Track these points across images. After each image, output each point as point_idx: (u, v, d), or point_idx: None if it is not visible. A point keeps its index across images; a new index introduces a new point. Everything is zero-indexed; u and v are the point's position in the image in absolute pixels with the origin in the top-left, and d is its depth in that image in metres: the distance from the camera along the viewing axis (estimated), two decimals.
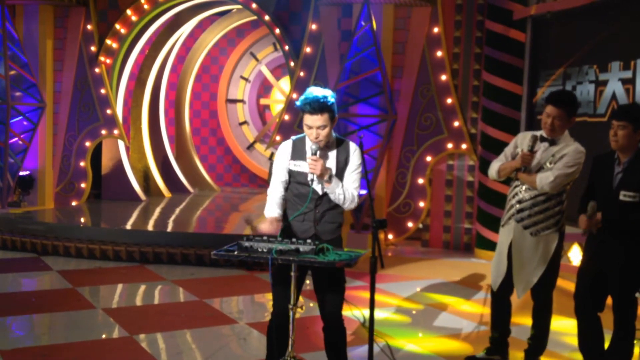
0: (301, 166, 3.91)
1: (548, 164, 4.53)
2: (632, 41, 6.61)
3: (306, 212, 3.94)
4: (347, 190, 3.88)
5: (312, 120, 3.78)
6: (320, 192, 3.91)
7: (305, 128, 3.85)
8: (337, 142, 3.95)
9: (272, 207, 3.97)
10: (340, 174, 3.92)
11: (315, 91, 3.80)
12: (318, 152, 3.80)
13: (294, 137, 4.04)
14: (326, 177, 3.80)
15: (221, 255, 3.79)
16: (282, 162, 3.98)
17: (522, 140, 4.70)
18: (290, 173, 3.97)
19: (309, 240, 3.67)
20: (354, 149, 3.95)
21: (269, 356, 4.04)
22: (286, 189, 4.01)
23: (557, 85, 7.64)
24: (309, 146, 3.87)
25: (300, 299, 3.99)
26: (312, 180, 3.88)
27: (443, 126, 9.01)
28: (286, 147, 3.99)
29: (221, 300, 6.52)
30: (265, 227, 3.87)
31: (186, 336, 5.41)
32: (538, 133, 4.66)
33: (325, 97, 3.77)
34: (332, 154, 3.93)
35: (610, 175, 4.26)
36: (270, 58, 13.76)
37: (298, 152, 3.95)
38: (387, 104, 8.36)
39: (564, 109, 4.49)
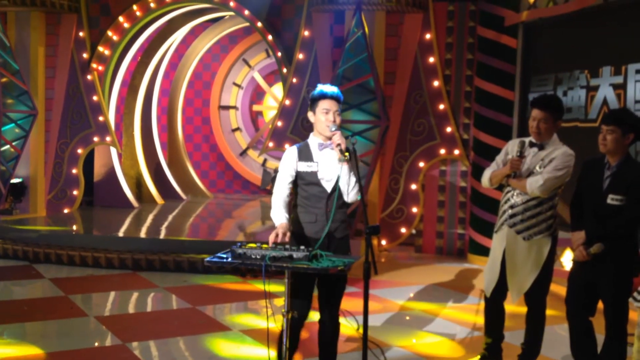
0: (311, 166, 4.13)
1: (538, 168, 4.56)
2: (623, 46, 6.66)
3: (317, 213, 4.10)
4: (353, 176, 4.09)
5: (330, 104, 4.09)
6: (329, 190, 4.10)
7: (322, 113, 4.09)
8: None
9: (279, 211, 4.09)
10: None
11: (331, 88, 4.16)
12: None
13: (297, 145, 4.26)
14: (345, 154, 4.00)
15: (214, 263, 3.79)
16: (290, 164, 4.17)
17: (512, 147, 4.73)
18: (299, 175, 4.15)
19: (302, 247, 3.71)
20: (352, 150, 4.12)
21: None
22: (290, 191, 4.18)
23: (548, 91, 7.67)
24: (328, 128, 4.06)
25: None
26: (322, 178, 4.08)
27: (435, 132, 9.03)
28: (292, 151, 4.21)
29: (214, 307, 6.51)
30: (274, 236, 3.93)
31: (179, 343, 5.39)
32: (527, 139, 4.70)
33: (339, 91, 4.19)
34: (333, 151, 4.14)
35: (599, 179, 4.30)
36: (263, 64, 13.78)
37: (305, 154, 4.16)
38: (380, 110, 8.37)
39: (549, 112, 4.53)
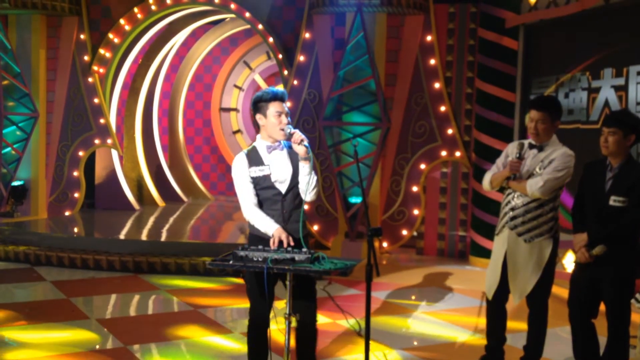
0: (263, 170, 4.10)
1: (538, 170, 4.56)
2: (625, 48, 6.65)
3: (273, 215, 4.06)
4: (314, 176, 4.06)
5: (281, 107, 4.05)
6: (284, 192, 4.08)
7: (273, 117, 4.04)
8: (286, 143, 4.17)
9: (265, 219, 4.04)
10: (295, 171, 4.09)
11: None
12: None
13: (244, 151, 4.21)
14: (304, 154, 3.96)
15: (216, 265, 3.79)
16: (243, 171, 4.13)
17: (512, 150, 4.74)
18: (253, 181, 4.11)
19: (304, 249, 3.69)
20: (299, 149, 4.02)
21: None
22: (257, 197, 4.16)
23: (549, 93, 7.67)
24: (282, 131, 4.03)
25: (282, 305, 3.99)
26: (276, 181, 4.06)
27: (437, 134, 9.02)
28: (241, 158, 4.17)
29: (215, 310, 6.50)
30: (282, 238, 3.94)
31: (181, 346, 5.39)
32: (526, 141, 4.70)
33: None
34: (284, 152, 4.14)
35: (601, 181, 4.30)
36: (264, 67, 13.77)
37: (254, 159, 4.13)
38: (381, 112, 8.37)
39: (547, 112, 4.53)
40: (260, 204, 4.10)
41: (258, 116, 4.11)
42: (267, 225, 3.99)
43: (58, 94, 10.54)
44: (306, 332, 4.17)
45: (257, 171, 4.09)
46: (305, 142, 3.94)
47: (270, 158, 4.11)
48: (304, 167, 4.01)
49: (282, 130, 4.01)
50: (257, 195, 4.11)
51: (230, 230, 10.10)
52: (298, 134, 3.96)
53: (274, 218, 4.04)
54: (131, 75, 11.83)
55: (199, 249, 8.11)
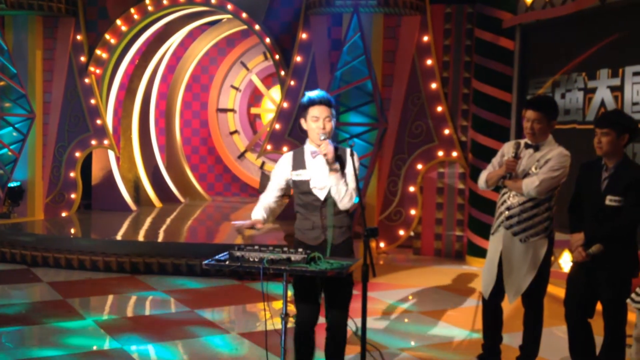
0: (302, 175, 4.09)
1: (534, 169, 4.57)
2: (620, 49, 6.66)
3: (314, 220, 4.07)
4: (346, 185, 4.03)
5: (320, 111, 3.99)
6: (322, 198, 4.06)
7: (312, 121, 4.03)
8: (340, 150, 4.12)
9: (258, 209, 4.14)
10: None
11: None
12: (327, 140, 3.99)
13: (293, 151, 4.22)
14: (333, 164, 3.96)
15: (212, 265, 3.80)
16: (283, 170, 4.16)
17: (508, 149, 4.74)
18: (293, 184, 4.13)
19: (300, 250, 3.69)
20: (350, 153, 4.04)
21: None
22: (280, 197, 4.19)
23: (546, 93, 7.68)
24: (319, 137, 4.00)
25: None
26: (315, 187, 4.05)
27: (433, 134, 9.03)
28: (287, 158, 4.18)
29: (212, 311, 6.50)
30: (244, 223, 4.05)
31: (178, 347, 5.39)
32: (522, 140, 4.71)
33: (330, 95, 4.09)
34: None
35: (597, 181, 4.31)
36: (261, 67, 13.76)
37: (298, 162, 4.12)
38: (378, 112, 8.37)
39: (543, 112, 4.54)
40: (303, 208, 4.11)
41: (301, 120, 4.12)
42: (254, 213, 4.11)
43: (55, 95, 10.52)
44: (337, 337, 4.17)
45: (298, 175, 4.09)
46: (329, 156, 3.93)
47: (312, 163, 4.09)
48: (330, 178, 4.00)
49: (318, 134, 4.00)
50: (300, 198, 4.12)
51: (227, 231, 10.09)
52: (324, 146, 3.94)
53: (315, 223, 4.07)
54: (128, 76, 11.81)
55: (196, 249, 8.11)
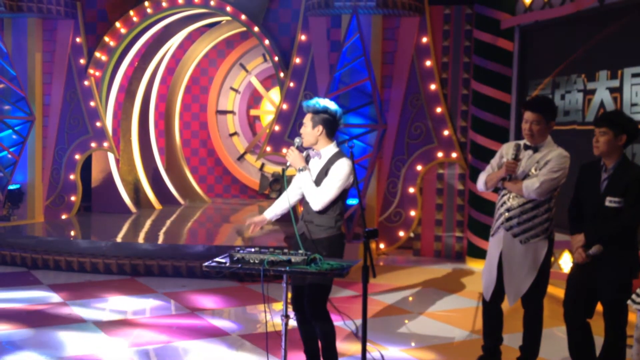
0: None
1: (533, 171, 4.57)
2: (620, 50, 6.67)
3: (303, 212, 4.39)
4: (314, 187, 4.23)
5: (306, 118, 4.35)
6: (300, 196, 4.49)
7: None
8: (333, 156, 4.29)
9: (271, 207, 4.54)
10: (318, 181, 4.27)
11: (322, 100, 4.35)
12: (302, 149, 4.37)
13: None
14: (298, 168, 4.27)
15: (213, 267, 3.80)
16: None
17: (507, 150, 4.74)
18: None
19: (301, 251, 3.73)
20: (339, 164, 4.24)
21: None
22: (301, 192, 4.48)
23: (546, 94, 7.68)
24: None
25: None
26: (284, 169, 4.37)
27: (433, 135, 9.04)
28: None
29: (213, 312, 6.50)
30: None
31: (178, 349, 5.39)
32: (522, 142, 4.71)
33: (317, 103, 4.29)
34: (322, 162, 4.32)
35: (597, 182, 4.31)
36: (260, 69, 13.76)
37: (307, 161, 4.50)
38: (377, 113, 8.38)
39: (541, 114, 4.55)
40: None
41: None
42: (266, 211, 4.53)
43: (54, 98, 10.53)
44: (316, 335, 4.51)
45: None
46: (289, 161, 4.25)
47: (311, 162, 4.41)
48: (298, 179, 4.35)
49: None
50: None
51: (227, 232, 10.09)
52: (287, 154, 4.28)
53: (302, 216, 4.38)
54: (127, 78, 11.81)
55: (196, 251, 8.11)
